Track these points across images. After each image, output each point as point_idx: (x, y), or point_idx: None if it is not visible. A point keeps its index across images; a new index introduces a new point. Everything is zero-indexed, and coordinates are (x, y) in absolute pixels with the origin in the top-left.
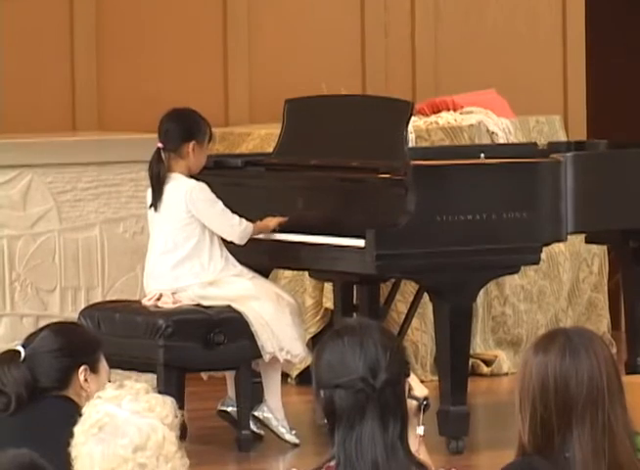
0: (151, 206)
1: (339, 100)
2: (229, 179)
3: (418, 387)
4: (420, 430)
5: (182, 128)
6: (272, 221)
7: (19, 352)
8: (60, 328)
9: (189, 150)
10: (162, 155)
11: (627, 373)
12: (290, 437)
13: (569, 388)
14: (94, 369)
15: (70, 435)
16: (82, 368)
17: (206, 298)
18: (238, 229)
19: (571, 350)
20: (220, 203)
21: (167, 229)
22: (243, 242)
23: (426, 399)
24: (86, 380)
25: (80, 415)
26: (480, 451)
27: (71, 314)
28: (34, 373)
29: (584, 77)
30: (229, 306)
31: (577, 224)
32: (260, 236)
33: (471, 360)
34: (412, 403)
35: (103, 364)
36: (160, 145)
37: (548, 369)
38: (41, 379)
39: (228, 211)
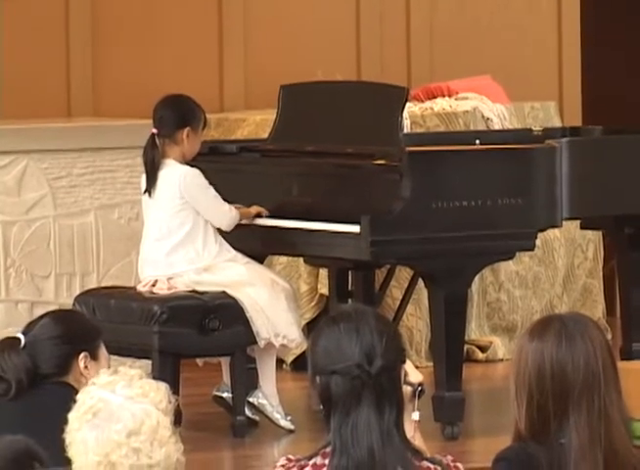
0: (145, 191)
1: (334, 86)
2: (224, 165)
3: (413, 372)
4: (415, 415)
5: (176, 115)
6: (254, 209)
7: (19, 340)
8: (60, 316)
9: (183, 136)
10: (157, 141)
11: (622, 359)
12: (285, 423)
13: (565, 374)
14: (94, 356)
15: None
16: (82, 355)
17: (201, 283)
18: (228, 216)
19: (567, 336)
20: (212, 189)
21: (161, 215)
22: (230, 229)
23: (421, 384)
24: (86, 367)
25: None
26: (476, 437)
27: (66, 301)
28: (35, 360)
29: (579, 63)
30: (224, 292)
31: (573, 210)
32: (256, 222)
33: (466, 346)
34: (407, 389)
35: (103, 352)
36: (154, 131)
37: (544, 355)
38: (41, 365)
39: (219, 198)
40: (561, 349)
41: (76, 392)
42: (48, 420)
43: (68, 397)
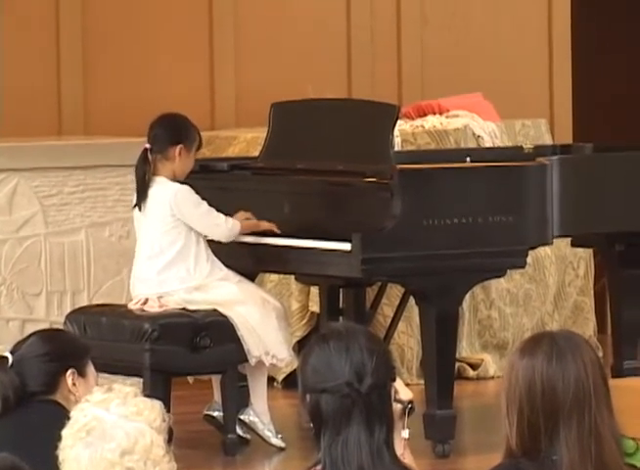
0: (135, 205)
1: (325, 104)
2: (215, 183)
3: (403, 390)
4: (405, 433)
5: (171, 131)
6: (265, 224)
7: (6, 359)
8: (47, 334)
9: (176, 153)
10: (149, 156)
11: (613, 377)
12: (276, 441)
13: (555, 391)
14: (82, 373)
15: (58, 438)
16: (70, 372)
17: (192, 302)
18: (224, 227)
19: (558, 353)
20: (205, 203)
21: (153, 233)
22: (229, 240)
23: (411, 402)
24: (74, 384)
25: (68, 419)
26: (467, 455)
27: (57, 318)
28: (22, 378)
29: (570, 81)
30: (215, 310)
31: (563, 228)
32: (247, 240)
33: (457, 364)
34: (397, 407)
35: (91, 369)
36: (147, 146)
37: (535, 372)
38: (29, 383)
39: (213, 211)
40: (551, 365)
41: (64, 409)
42: (35, 438)
43: (55, 415)
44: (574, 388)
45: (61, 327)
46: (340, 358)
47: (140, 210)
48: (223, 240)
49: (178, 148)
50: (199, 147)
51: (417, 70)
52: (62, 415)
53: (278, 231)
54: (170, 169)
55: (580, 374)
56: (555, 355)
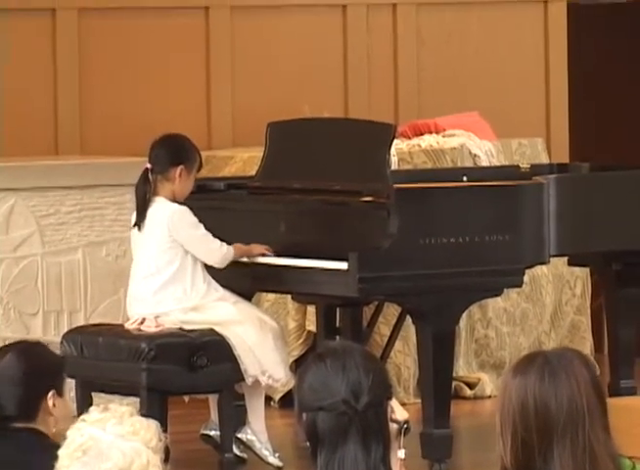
0: (135, 225)
1: (321, 123)
2: (211, 203)
3: (399, 410)
4: (401, 453)
5: (172, 152)
6: (257, 249)
7: None
8: (23, 351)
9: (176, 174)
10: (150, 176)
11: (610, 395)
12: (273, 459)
13: (549, 410)
14: (60, 392)
15: (43, 467)
16: (50, 394)
17: (189, 322)
18: (218, 253)
19: (550, 371)
20: (202, 227)
21: (150, 253)
22: (223, 266)
23: (406, 422)
24: (54, 405)
25: (49, 445)
26: None
27: (54, 338)
28: None
29: (567, 100)
30: (211, 330)
31: (560, 247)
32: (244, 259)
33: (454, 383)
34: (393, 427)
35: (66, 385)
36: (148, 166)
37: (527, 391)
38: (6, 406)
39: (209, 235)
40: (543, 384)
41: (45, 436)
42: (19, 467)
43: (38, 445)
44: (568, 406)
45: (57, 347)
46: (336, 377)
47: (139, 229)
48: (216, 266)
49: (179, 169)
50: (199, 168)
51: (413, 89)
52: (48, 445)
53: (271, 254)
54: (170, 190)
55: (574, 392)
56: (547, 374)
